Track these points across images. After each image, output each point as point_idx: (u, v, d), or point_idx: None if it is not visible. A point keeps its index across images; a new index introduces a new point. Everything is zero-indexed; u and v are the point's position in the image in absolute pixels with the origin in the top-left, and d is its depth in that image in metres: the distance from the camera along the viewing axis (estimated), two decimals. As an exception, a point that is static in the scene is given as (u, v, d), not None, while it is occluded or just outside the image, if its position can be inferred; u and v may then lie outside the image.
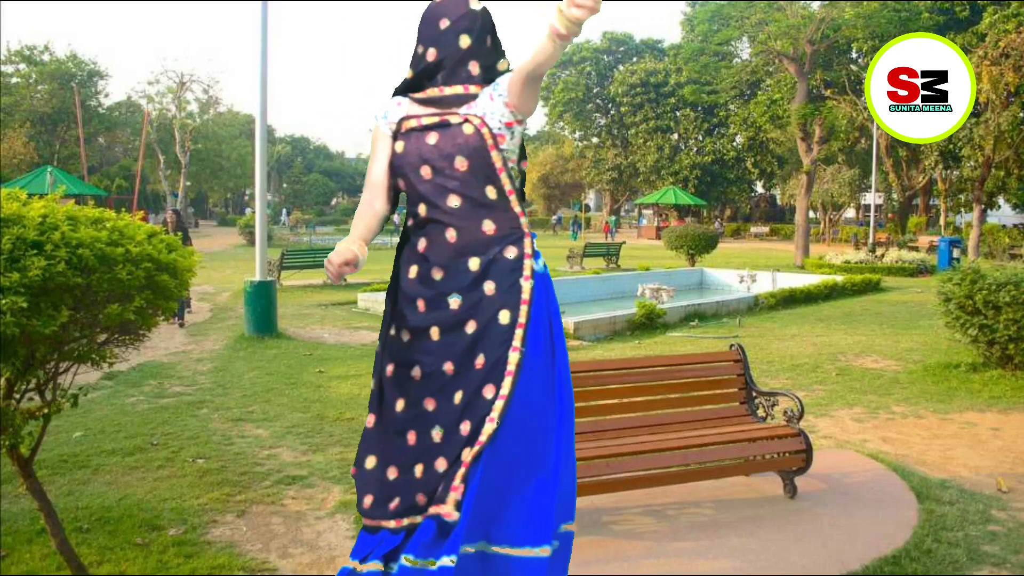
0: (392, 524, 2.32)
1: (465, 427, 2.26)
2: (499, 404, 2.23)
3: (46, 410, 2.87)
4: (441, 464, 2.29)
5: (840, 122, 29.08)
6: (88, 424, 5.58)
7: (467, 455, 2.22)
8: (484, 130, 2.30)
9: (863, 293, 15.35)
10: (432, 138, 2.34)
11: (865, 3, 23.60)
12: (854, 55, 31.71)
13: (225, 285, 15.48)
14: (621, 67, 51.08)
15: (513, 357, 2.26)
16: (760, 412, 4.37)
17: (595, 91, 51.68)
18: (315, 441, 5.27)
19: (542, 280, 2.37)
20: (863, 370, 7.87)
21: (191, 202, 52.88)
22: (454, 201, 2.31)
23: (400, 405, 2.39)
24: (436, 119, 2.36)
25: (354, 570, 2.32)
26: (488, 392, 2.26)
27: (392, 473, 2.36)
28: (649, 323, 10.55)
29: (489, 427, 2.21)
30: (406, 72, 2.48)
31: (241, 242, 30.65)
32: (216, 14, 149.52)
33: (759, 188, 54.43)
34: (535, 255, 2.36)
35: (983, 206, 27.33)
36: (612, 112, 51.13)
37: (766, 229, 47.02)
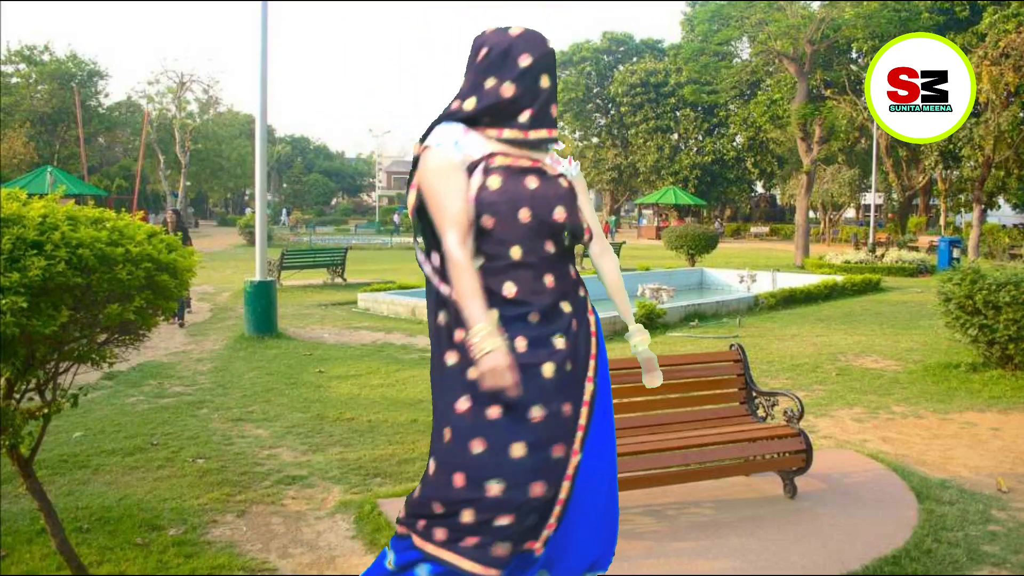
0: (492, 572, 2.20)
1: (558, 451, 2.26)
2: (579, 435, 2.27)
3: (46, 410, 2.87)
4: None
5: (840, 122, 29.09)
6: (88, 424, 5.58)
7: (563, 491, 2.24)
8: (574, 189, 2.36)
9: (863, 293, 15.35)
10: (532, 182, 2.27)
11: (865, 3, 23.61)
12: (854, 55, 31.72)
13: (225, 285, 15.48)
14: (621, 67, 51.10)
15: (588, 388, 2.33)
16: (760, 412, 4.37)
17: (595, 91, 51.71)
18: (315, 441, 5.27)
19: (596, 316, 2.47)
20: (863, 370, 7.87)
21: (191, 202, 52.89)
22: (551, 247, 2.28)
23: (519, 451, 2.17)
24: (529, 163, 2.29)
25: None
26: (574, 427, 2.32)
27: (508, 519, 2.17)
28: (649, 323, 10.55)
29: (575, 460, 2.25)
30: (464, 102, 2.30)
31: (241, 242, 30.66)
32: (216, 14, 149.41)
33: (759, 188, 54.46)
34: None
35: (983, 206, 27.33)
36: (612, 112, 51.15)
37: (766, 229, 47.04)
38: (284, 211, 57.72)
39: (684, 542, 3.61)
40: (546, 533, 2.22)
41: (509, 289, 2.23)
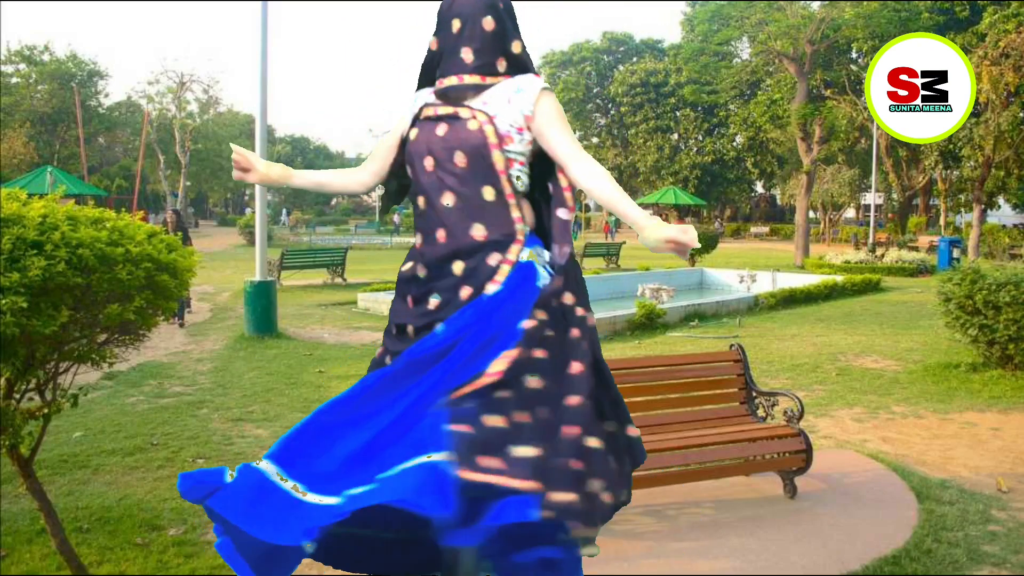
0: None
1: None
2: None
3: (46, 410, 2.87)
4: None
5: (840, 122, 29.08)
6: (88, 424, 5.58)
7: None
8: (488, 128, 2.20)
9: (863, 293, 15.35)
10: (441, 129, 2.25)
11: (865, 3, 23.61)
12: (854, 55, 31.74)
13: (225, 285, 15.48)
14: (621, 67, 51.11)
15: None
16: (760, 412, 4.38)
17: (595, 91, 51.71)
18: (315, 441, 5.26)
19: (518, 285, 2.18)
20: (863, 370, 7.87)
21: (191, 202, 52.89)
22: (448, 199, 2.22)
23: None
24: (450, 110, 2.27)
25: None
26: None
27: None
28: (649, 323, 10.55)
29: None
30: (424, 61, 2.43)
31: (241, 242, 30.64)
32: (216, 14, 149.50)
33: (759, 188, 54.46)
34: (520, 268, 2.19)
35: (983, 206, 27.33)
36: (612, 112, 51.14)
37: (766, 229, 47.03)
38: (284, 211, 57.71)
39: (684, 542, 3.61)
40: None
41: (418, 240, 2.31)
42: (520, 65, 2.33)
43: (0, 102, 40.09)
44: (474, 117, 2.22)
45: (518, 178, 2.26)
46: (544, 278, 2.22)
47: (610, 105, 51.04)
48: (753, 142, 45.14)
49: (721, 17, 26.39)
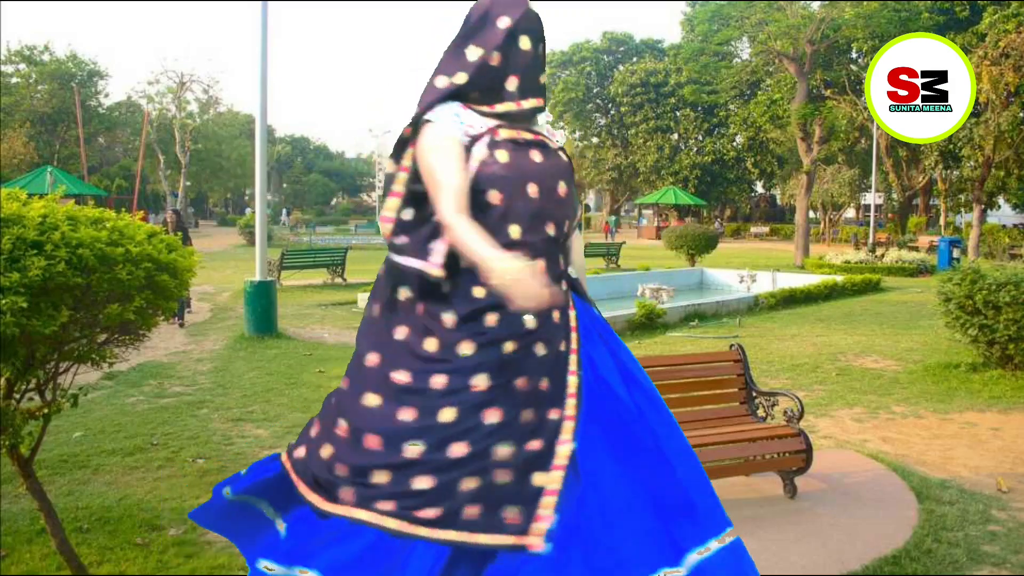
0: (459, 536, 2.00)
1: (535, 445, 2.07)
2: (567, 424, 2.11)
3: (46, 410, 2.87)
4: (537, 479, 2.04)
5: (840, 122, 29.09)
6: (88, 424, 5.58)
7: (555, 482, 2.03)
8: (571, 165, 2.23)
9: (863, 293, 15.35)
10: (537, 156, 2.14)
11: (865, 3, 23.62)
12: (854, 55, 31.74)
13: (225, 285, 15.48)
14: (621, 67, 51.11)
15: (572, 380, 2.16)
16: (760, 412, 4.38)
17: (595, 91, 51.70)
18: (315, 441, 5.26)
19: (584, 310, 2.29)
20: (863, 370, 7.87)
21: (191, 202, 52.89)
22: (551, 230, 2.12)
23: (495, 417, 2.08)
24: (532, 136, 2.17)
25: None
26: (553, 415, 2.12)
27: (473, 484, 2.04)
28: (649, 323, 10.55)
29: (562, 449, 2.07)
30: (454, 76, 2.15)
31: (241, 242, 30.64)
32: (216, 14, 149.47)
33: (759, 188, 54.46)
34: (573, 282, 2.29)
35: (983, 206, 27.34)
36: (612, 112, 51.14)
37: (766, 229, 47.02)
38: (284, 211, 57.73)
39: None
40: (540, 526, 1.99)
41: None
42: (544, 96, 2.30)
43: (0, 102, 40.08)
44: (562, 150, 2.21)
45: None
46: None
47: (610, 105, 51.04)
48: (753, 142, 45.14)
49: (721, 17, 26.40)
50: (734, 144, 47.14)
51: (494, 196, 2.06)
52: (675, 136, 48.97)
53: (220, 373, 7.56)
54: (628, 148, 50.09)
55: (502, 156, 2.08)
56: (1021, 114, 23.15)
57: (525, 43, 2.14)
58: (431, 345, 2.09)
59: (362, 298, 12.92)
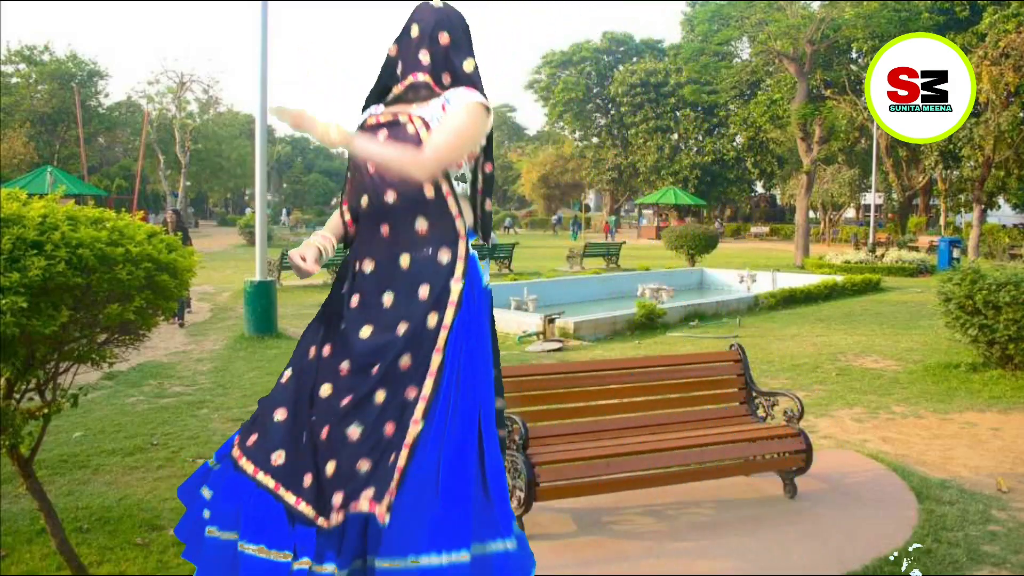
0: (303, 508, 2.17)
1: (390, 428, 2.21)
2: (421, 406, 2.21)
3: (46, 410, 2.87)
4: (364, 465, 2.20)
5: (840, 122, 29.07)
6: (88, 424, 5.58)
7: (401, 459, 2.17)
8: (424, 132, 2.31)
9: (863, 293, 15.35)
10: (382, 135, 2.38)
11: (865, 3, 23.61)
12: (854, 55, 31.73)
13: (225, 285, 15.48)
14: (621, 67, 51.08)
15: (435, 359, 2.24)
16: (760, 412, 4.37)
17: (595, 91, 51.69)
18: (315, 441, 5.26)
19: (475, 287, 2.34)
20: (863, 370, 7.87)
21: (191, 202, 52.87)
22: (390, 196, 2.32)
23: (325, 391, 2.31)
24: (390, 117, 2.40)
25: (263, 558, 2.16)
26: (411, 393, 2.23)
27: (330, 470, 2.22)
28: (649, 323, 10.55)
29: (414, 429, 2.19)
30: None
31: (241, 242, 30.64)
32: (216, 14, 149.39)
33: (759, 188, 54.42)
34: (471, 260, 2.34)
35: (983, 206, 27.34)
36: (612, 112, 51.13)
37: (766, 229, 47.01)
38: (284, 211, 57.71)
39: (684, 542, 3.61)
40: (387, 499, 2.13)
41: (358, 238, 2.44)
42: (469, 83, 2.42)
43: (0, 102, 40.07)
44: (411, 122, 2.35)
45: (456, 177, 2.39)
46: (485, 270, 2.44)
47: (610, 105, 51.02)
48: (753, 142, 45.11)
49: (721, 17, 26.39)
50: (734, 144, 47.11)
51: (352, 176, 2.44)
52: (675, 136, 48.95)
53: (220, 373, 7.56)
54: (628, 148, 50.07)
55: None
56: (1021, 114, 23.14)
57: (414, 31, 2.43)
58: None
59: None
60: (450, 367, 2.26)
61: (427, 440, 2.19)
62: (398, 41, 2.46)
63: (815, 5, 26.03)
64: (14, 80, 43.48)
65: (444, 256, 2.31)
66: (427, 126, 2.31)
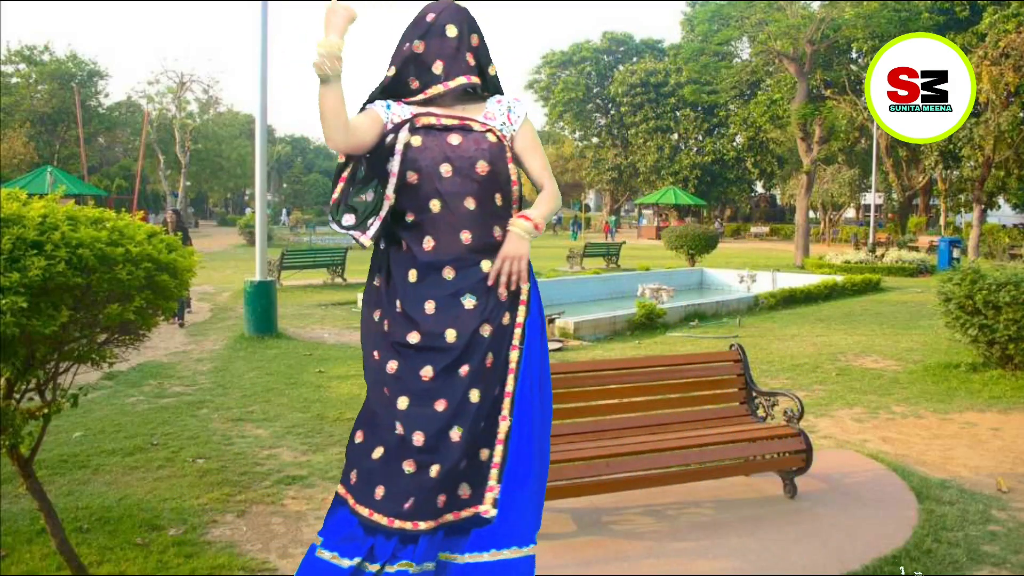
0: (408, 526, 2.25)
1: (483, 425, 2.32)
2: (507, 401, 2.34)
3: (46, 410, 2.86)
4: (463, 463, 2.30)
5: (840, 122, 29.08)
6: (88, 424, 5.58)
7: (496, 455, 2.30)
8: (505, 142, 2.40)
9: (863, 293, 15.35)
10: (455, 139, 2.37)
11: (865, 3, 23.60)
12: (854, 55, 31.72)
13: (225, 285, 15.48)
14: (621, 67, 51.09)
15: (514, 355, 2.36)
16: (760, 412, 4.37)
17: (595, 91, 51.68)
18: (315, 441, 5.27)
19: (535, 285, 2.47)
20: (863, 370, 7.87)
21: (191, 202, 52.88)
22: (471, 204, 2.35)
23: (403, 403, 2.32)
24: (456, 121, 2.39)
25: (361, 569, 2.27)
26: (496, 390, 2.34)
27: (409, 467, 2.28)
28: (649, 323, 10.55)
29: (504, 425, 2.31)
30: (387, 71, 2.44)
31: (241, 242, 30.65)
32: (216, 14, 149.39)
33: (759, 188, 54.43)
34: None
35: (983, 206, 27.34)
36: (612, 112, 51.12)
37: (766, 229, 47.02)
38: (284, 211, 57.70)
39: (684, 542, 3.61)
40: (490, 495, 2.28)
41: (428, 243, 2.35)
42: (495, 86, 2.51)
43: (0, 102, 40.06)
44: (489, 130, 2.39)
45: (514, 190, 2.46)
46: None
47: (610, 105, 51.02)
48: (753, 142, 45.12)
49: (721, 17, 26.38)
50: (734, 144, 47.11)
51: (412, 176, 2.35)
52: (675, 136, 48.95)
53: (220, 373, 7.56)
54: (628, 148, 50.07)
55: (416, 141, 2.35)
56: (1021, 114, 23.14)
57: (451, 31, 2.39)
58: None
59: (362, 298, 12.90)
60: (526, 362, 2.38)
61: (518, 435, 2.32)
62: (424, 39, 2.39)
63: (815, 5, 26.04)
64: (14, 80, 43.48)
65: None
66: (503, 136, 2.41)
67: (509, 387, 2.34)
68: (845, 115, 29.38)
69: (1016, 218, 43.44)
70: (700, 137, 48.65)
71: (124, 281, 2.74)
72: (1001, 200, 39.02)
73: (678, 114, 48.05)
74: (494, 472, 2.29)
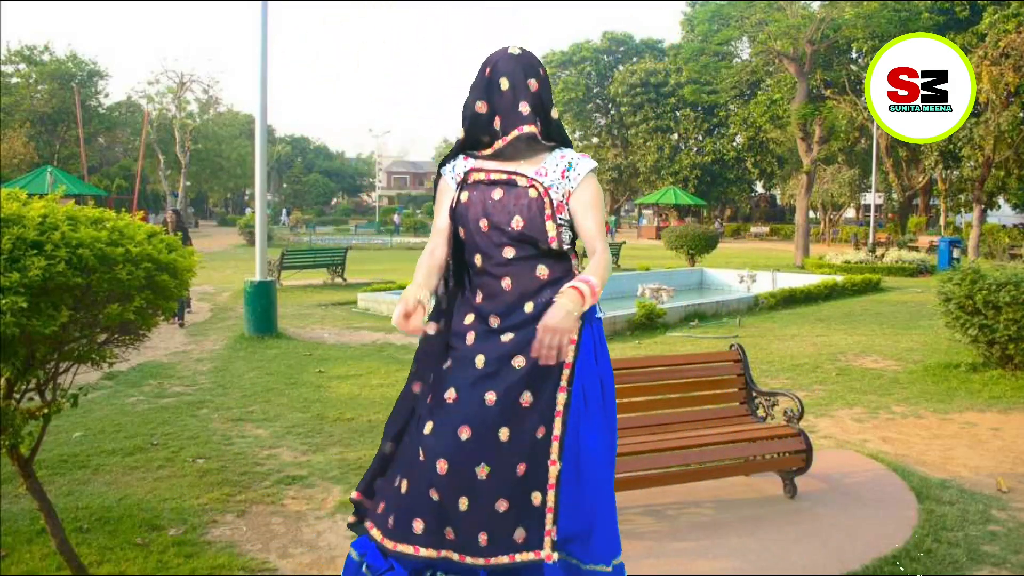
0: (433, 553, 2.32)
1: (521, 467, 2.31)
2: (555, 445, 2.32)
3: (46, 410, 2.86)
4: (502, 505, 2.30)
5: (840, 122, 29.08)
6: (88, 424, 5.58)
7: (550, 500, 2.30)
8: (546, 199, 2.38)
9: (863, 293, 15.35)
10: (497, 193, 2.41)
11: (865, 3, 23.60)
12: (854, 55, 31.72)
13: (225, 285, 15.48)
14: (621, 67, 51.09)
15: (561, 397, 2.34)
16: (760, 412, 4.37)
17: (595, 91, 51.69)
18: (315, 441, 5.27)
19: (591, 320, 2.41)
20: (863, 370, 7.87)
21: (191, 202, 52.88)
22: (509, 252, 2.38)
23: (428, 428, 2.36)
24: (504, 176, 2.43)
25: None
26: (539, 433, 2.32)
27: (434, 495, 2.33)
28: (649, 323, 10.55)
29: (554, 470, 2.30)
30: (460, 131, 2.52)
31: (241, 242, 30.65)
32: (216, 14, 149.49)
33: (759, 188, 54.45)
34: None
35: (983, 206, 27.33)
36: (612, 112, 51.13)
37: (766, 229, 47.03)
38: (284, 211, 57.71)
39: (684, 542, 3.61)
40: (548, 540, 2.29)
41: (477, 295, 2.44)
42: (559, 132, 2.51)
43: (0, 102, 40.06)
44: (533, 186, 2.39)
45: (566, 236, 2.45)
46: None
47: (610, 105, 51.02)
48: (753, 142, 45.12)
49: (721, 17, 26.37)
50: (734, 144, 47.12)
51: (461, 231, 2.46)
52: (675, 136, 48.96)
53: (220, 373, 7.56)
54: (628, 148, 50.07)
55: (463, 196, 2.44)
56: (1021, 114, 23.14)
57: (504, 84, 2.41)
58: None
59: (362, 298, 12.93)
60: (576, 404, 2.34)
61: (569, 479, 2.31)
62: (485, 98, 2.42)
63: (815, 5, 26.03)
64: (14, 80, 43.51)
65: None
66: (547, 192, 2.38)
67: (556, 430, 2.32)
68: (845, 115, 29.38)
69: (1016, 218, 43.44)
70: (700, 137, 48.66)
71: (124, 281, 2.74)
72: (1001, 200, 39.03)
73: (678, 114, 48.05)
74: (549, 516, 2.30)
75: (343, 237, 39.10)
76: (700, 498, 4.13)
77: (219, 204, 68.50)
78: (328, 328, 10.61)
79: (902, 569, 3.33)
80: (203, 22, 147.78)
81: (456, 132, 2.58)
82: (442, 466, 2.30)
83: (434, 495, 2.31)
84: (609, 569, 2.37)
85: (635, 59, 51.51)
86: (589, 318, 2.38)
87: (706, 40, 28.05)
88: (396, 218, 48.77)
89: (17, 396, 2.84)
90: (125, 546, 3.48)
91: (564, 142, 2.51)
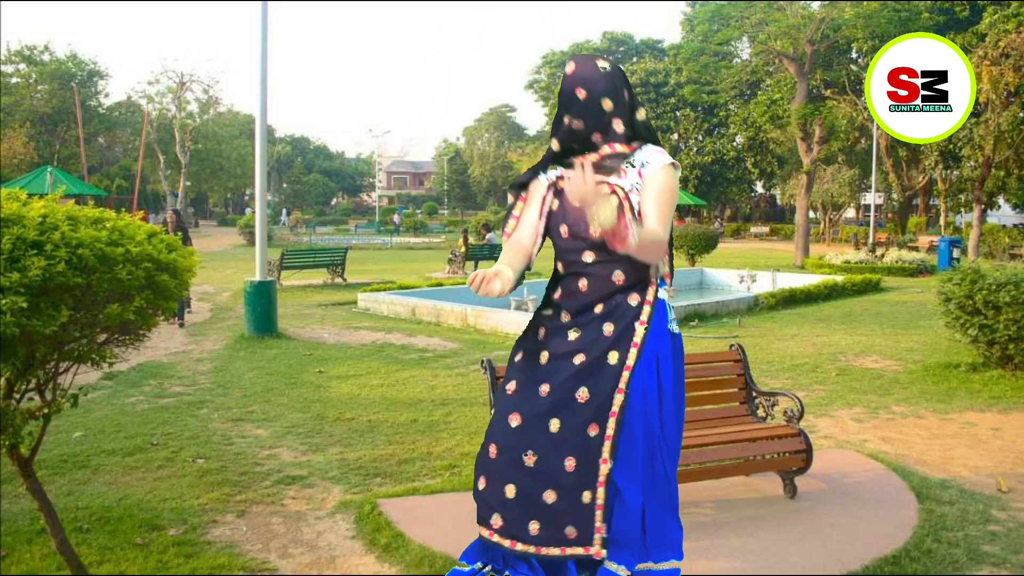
0: (531, 549, 2.40)
1: (570, 463, 2.38)
2: (607, 444, 2.37)
3: (46, 410, 2.86)
4: (550, 496, 2.38)
5: (840, 122, 29.05)
6: (88, 424, 5.58)
7: (599, 497, 2.37)
8: (626, 203, 2.44)
9: (863, 293, 15.34)
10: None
11: (865, 3, 23.59)
12: (854, 55, 31.72)
13: (225, 285, 15.48)
14: (621, 67, 51.05)
15: (618, 398, 2.38)
16: (760, 412, 4.37)
17: (595, 91, 51.63)
18: (315, 441, 5.27)
19: (660, 330, 2.46)
20: (863, 370, 7.87)
21: (191, 202, 52.88)
22: (588, 257, 2.48)
23: (515, 420, 2.46)
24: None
25: None
26: (592, 430, 2.37)
27: (510, 492, 2.42)
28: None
29: (604, 468, 2.37)
30: (552, 142, 2.62)
31: (241, 242, 30.65)
32: (216, 14, 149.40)
33: (759, 188, 54.44)
34: (658, 305, 2.47)
35: (983, 206, 27.30)
36: (612, 112, 51.05)
37: (766, 229, 47.01)
38: (284, 211, 57.72)
39: (684, 542, 3.60)
40: (598, 536, 2.37)
41: (557, 291, 2.59)
42: (645, 129, 2.56)
43: (0, 102, 40.06)
44: (613, 192, 2.45)
45: None
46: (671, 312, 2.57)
47: (610, 105, 50.96)
48: (753, 142, 45.11)
49: (721, 17, 26.36)
50: (734, 144, 47.11)
51: (552, 236, 2.60)
52: (675, 136, 48.95)
53: (220, 373, 7.56)
54: (628, 148, 50.01)
55: (554, 205, 2.59)
56: (1021, 114, 23.11)
57: (581, 94, 2.49)
58: None
59: (362, 298, 12.93)
60: (633, 407, 2.38)
61: (619, 478, 2.37)
62: (581, 116, 2.48)
63: (815, 5, 26.02)
64: (14, 80, 43.51)
65: (633, 299, 2.45)
66: (628, 197, 2.45)
67: (610, 430, 2.37)
68: (845, 115, 29.37)
69: (1016, 218, 43.43)
70: (700, 137, 48.65)
71: (124, 281, 2.74)
72: (1001, 200, 38.98)
73: (678, 114, 48.05)
74: (599, 514, 2.37)
75: (343, 237, 39.10)
76: (700, 498, 4.13)
77: (219, 204, 68.50)
78: (328, 328, 10.62)
79: (902, 569, 3.32)
80: (203, 22, 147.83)
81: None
82: (492, 451, 2.42)
83: (482, 483, 2.43)
84: (670, 565, 2.48)
85: (635, 59, 51.51)
86: (655, 329, 2.44)
87: (706, 40, 28.05)
88: (396, 218, 48.78)
89: (17, 396, 2.84)
90: (125, 546, 3.48)
91: (651, 139, 2.56)
